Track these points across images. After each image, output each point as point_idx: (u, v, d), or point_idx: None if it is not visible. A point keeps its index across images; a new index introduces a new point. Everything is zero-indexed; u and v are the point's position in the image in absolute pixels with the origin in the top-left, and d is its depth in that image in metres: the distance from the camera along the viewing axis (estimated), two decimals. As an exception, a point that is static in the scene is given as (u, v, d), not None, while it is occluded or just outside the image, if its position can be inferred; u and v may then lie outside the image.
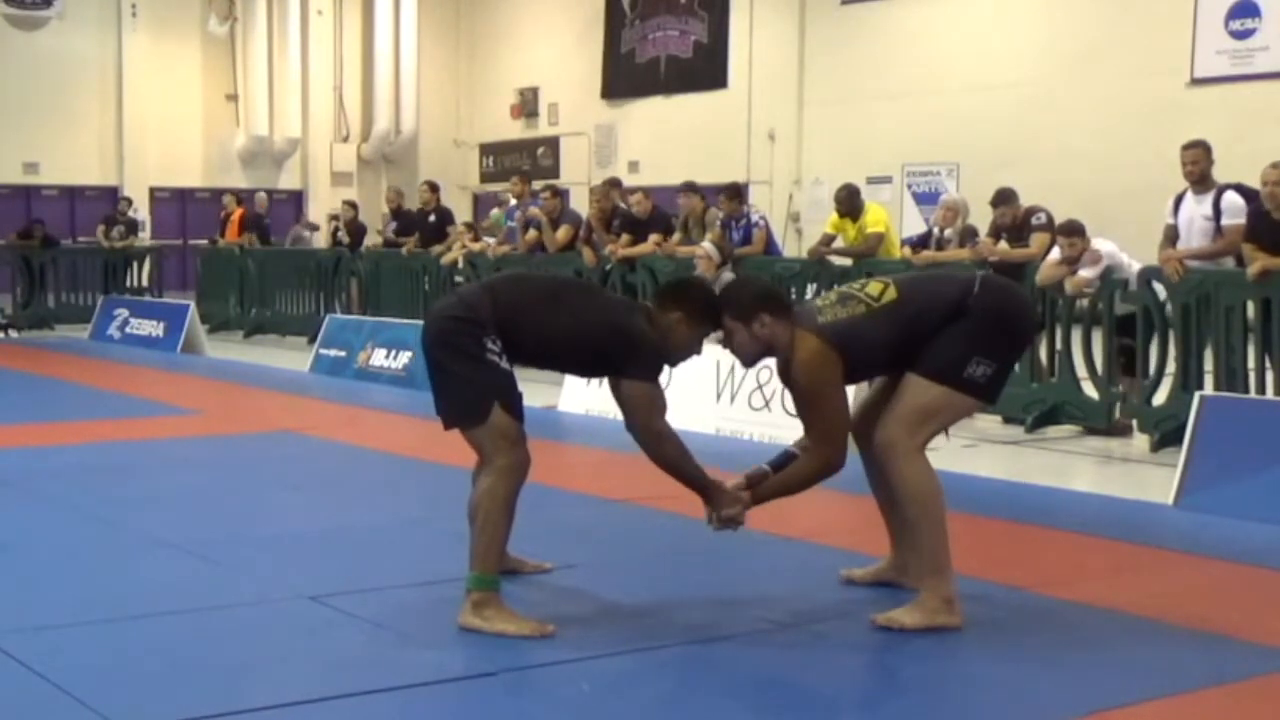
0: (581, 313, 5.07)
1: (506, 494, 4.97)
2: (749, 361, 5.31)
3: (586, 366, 5.43)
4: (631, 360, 4.99)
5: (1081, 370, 10.15)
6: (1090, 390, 10.14)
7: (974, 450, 9.65)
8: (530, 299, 5.11)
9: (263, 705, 4.18)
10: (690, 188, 13.77)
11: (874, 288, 5.17)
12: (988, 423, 10.72)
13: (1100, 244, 10.05)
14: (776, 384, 9.29)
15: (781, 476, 5.26)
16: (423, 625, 5.07)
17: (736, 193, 13.32)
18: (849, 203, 12.46)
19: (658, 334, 5.06)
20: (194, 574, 5.84)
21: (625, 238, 13.77)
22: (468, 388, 4.97)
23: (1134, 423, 9.87)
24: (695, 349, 5.24)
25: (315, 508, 7.29)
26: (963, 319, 5.02)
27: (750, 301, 5.13)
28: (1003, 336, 5.09)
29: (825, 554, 6.21)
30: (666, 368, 5.19)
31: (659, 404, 5.06)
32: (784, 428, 9.24)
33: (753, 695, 4.43)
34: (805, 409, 5.13)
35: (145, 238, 22.87)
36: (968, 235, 11.52)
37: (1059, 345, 10.31)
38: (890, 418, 5.07)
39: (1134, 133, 19.40)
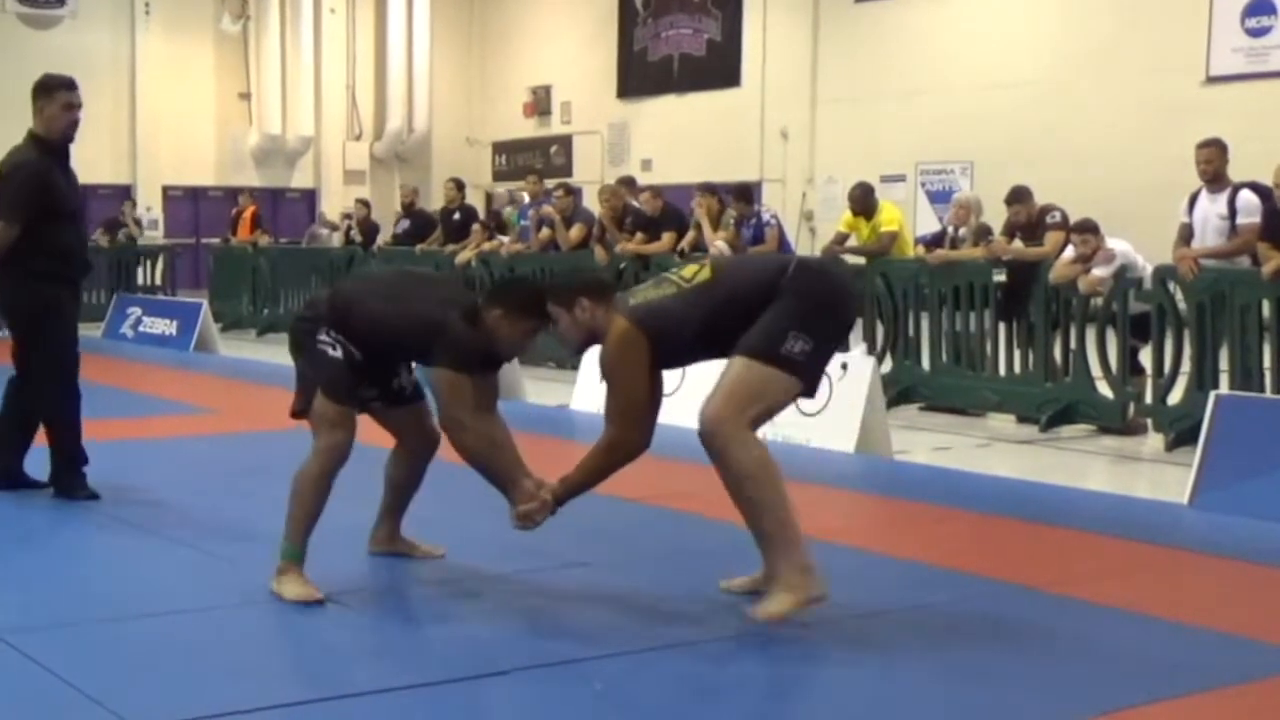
0: (401, 303, 5.40)
1: (318, 473, 5.41)
2: (574, 349, 5.48)
3: (410, 354, 5.67)
4: (438, 348, 5.23)
5: (1096, 369, 10.12)
6: (1105, 389, 10.12)
7: (987, 449, 9.65)
8: (364, 293, 5.57)
9: (275, 704, 4.18)
10: (708, 189, 13.72)
11: (688, 270, 5.16)
12: (1001, 422, 10.71)
13: (1114, 243, 10.04)
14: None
15: (576, 468, 5.22)
16: (435, 623, 5.08)
17: (746, 194, 13.32)
18: (863, 201, 12.45)
19: (483, 330, 5.23)
20: (207, 573, 5.85)
21: (639, 236, 13.77)
22: (300, 379, 5.48)
23: (1149, 422, 9.85)
24: (522, 345, 5.43)
25: (327, 507, 7.28)
26: (779, 299, 4.92)
27: (569, 288, 5.22)
28: (819, 314, 4.95)
29: (842, 554, 6.20)
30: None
31: (461, 392, 5.24)
32: (798, 426, 9.23)
33: (766, 694, 4.42)
34: (606, 389, 5.14)
35: (158, 236, 22.91)
36: (982, 234, 11.50)
37: (1073, 344, 10.29)
38: (711, 398, 4.96)
39: (1148, 131, 19.37)
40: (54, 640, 4.78)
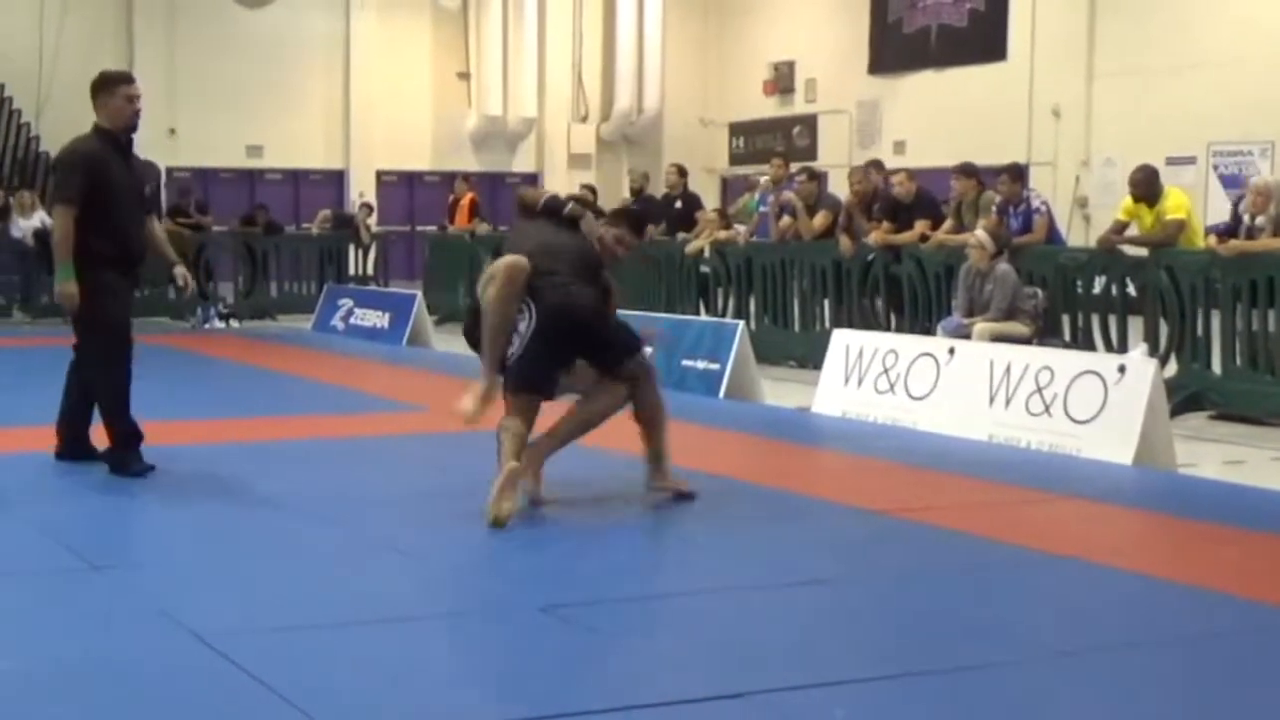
0: None
1: None
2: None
3: None
4: None
5: None
6: None
7: (1286, 465, 9.36)
8: None
9: None
10: (966, 170, 13.57)
11: None
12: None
13: None
14: (1058, 387, 9.12)
15: None
16: (662, 642, 5.10)
17: (1018, 174, 13.13)
18: (1146, 186, 12.16)
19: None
20: (420, 579, 5.98)
21: (886, 224, 13.67)
22: None
23: None
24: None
25: (547, 513, 7.39)
26: None
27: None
28: None
29: (1117, 578, 6.06)
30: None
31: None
32: (1067, 435, 9.06)
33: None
34: None
35: (371, 223, 23.52)
36: (1282, 223, 11.13)
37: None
38: None
39: None
40: (263, 647, 4.93)
